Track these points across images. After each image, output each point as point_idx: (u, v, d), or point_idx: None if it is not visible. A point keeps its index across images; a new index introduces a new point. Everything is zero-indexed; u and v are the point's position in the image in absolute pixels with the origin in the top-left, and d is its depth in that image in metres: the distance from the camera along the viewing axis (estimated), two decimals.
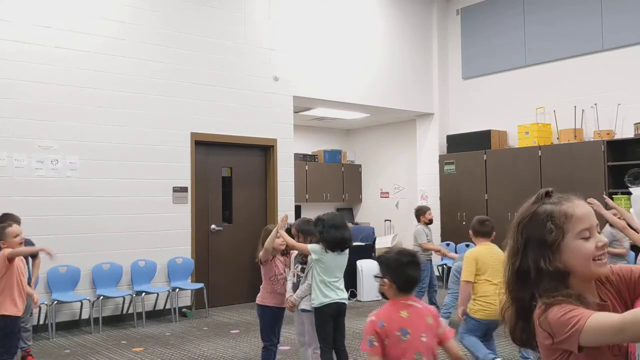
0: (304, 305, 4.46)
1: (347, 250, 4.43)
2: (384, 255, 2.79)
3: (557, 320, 1.41)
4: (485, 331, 4.73)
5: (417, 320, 2.61)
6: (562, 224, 1.51)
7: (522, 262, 1.52)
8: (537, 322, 1.47)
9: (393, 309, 2.67)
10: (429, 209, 7.59)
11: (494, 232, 4.84)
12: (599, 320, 1.34)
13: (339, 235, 4.31)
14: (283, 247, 4.59)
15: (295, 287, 4.53)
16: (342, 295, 4.38)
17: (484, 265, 4.64)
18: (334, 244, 4.30)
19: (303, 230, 4.60)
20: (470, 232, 4.99)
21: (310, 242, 4.43)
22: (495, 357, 4.76)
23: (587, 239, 1.50)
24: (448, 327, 6.36)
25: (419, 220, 7.39)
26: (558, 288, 1.47)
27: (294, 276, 4.60)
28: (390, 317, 2.62)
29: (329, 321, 4.32)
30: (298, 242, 4.57)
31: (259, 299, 4.63)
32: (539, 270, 1.50)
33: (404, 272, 2.68)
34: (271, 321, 4.60)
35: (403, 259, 2.73)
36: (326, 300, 4.29)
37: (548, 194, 1.60)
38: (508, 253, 1.59)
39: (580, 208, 1.54)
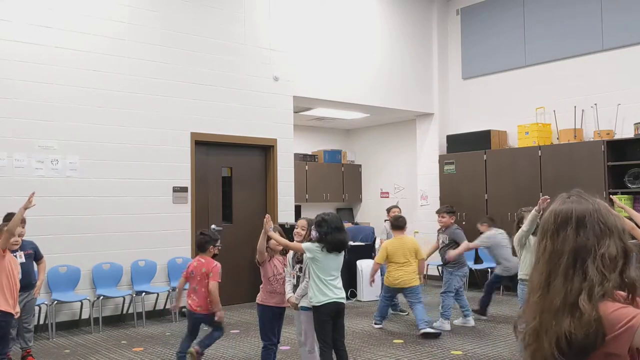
0: (302, 302, 4.48)
1: (343, 251, 4.45)
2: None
3: (611, 314, 1.39)
4: (393, 295, 6.83)
5: (199, 268, 5.00)
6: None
7: (611, 247, 1.50)
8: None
9: (194, 261, 5.14)
10: (393, 207, 7.96)
11: (406, 227, 6.84)
12: None
13: (341, 238, 4.34)
14: (280, 248, 4.59)
15: (295, 287, 4.55)
16: (340, 294, 4.39)
17: (393, 253, 6.55)
18: (335, 246, 4.31)
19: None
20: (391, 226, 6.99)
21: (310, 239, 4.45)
22: (382, 319, 6.87)
23: None
24: (448, 327, 6.52)
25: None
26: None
27: (293, 277, 4.61)
28: (191, 265, 5.09)
29: (328, 320, 4.33)
30: (307, 238, 4.58)
31: (258, 299, 4.64)
32: (625, 250, 1.50)
33: (198, 240, 5.20)
34: (271, 321, 4.60)
35: (199, 234, 5.24)
36: (325, 299, 4.30)
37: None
38: (590, 243, 1.51)
39: None
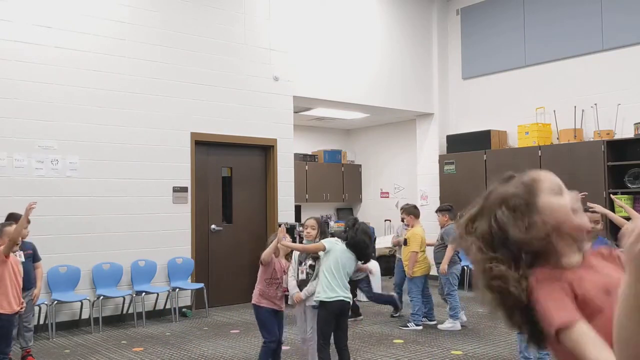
0: (312, 302, 4.49)
1: (357, 260, 4.49)
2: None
3: (545, 301, 1.36)
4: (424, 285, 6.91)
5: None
6: (532, 185, 1.51)
7: (496, 236, 1.47)
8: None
9: None
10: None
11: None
12: (582, 336, 1.29)
13: (363, 239, 4.42)
14: (289, 250, 4.60)
15: (304, 283, 4.57)
16: (348, 294, 4.42)
17: (424, 240, 6.82)
18: (353, 243, 4.37)
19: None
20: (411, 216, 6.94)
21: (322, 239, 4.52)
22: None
23: (559, 194, 1.49)
24: (459, 327, 6.53)
25: None
26: (543, 254, 1.44)
27: (302, 273, 4.61)
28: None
29: (333, 318, 4.34)
30: (316, 235, 4.63)
31: (254, 299, 4.62)
32: (518, 241, 1.45)
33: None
34: (268, 319, 4.58)
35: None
36: (334, 296, 4.32)
37: (512, 177, 1.59)
38: (481, 235, 1.50)
39: (545, 173, 1.54)
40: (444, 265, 6.63)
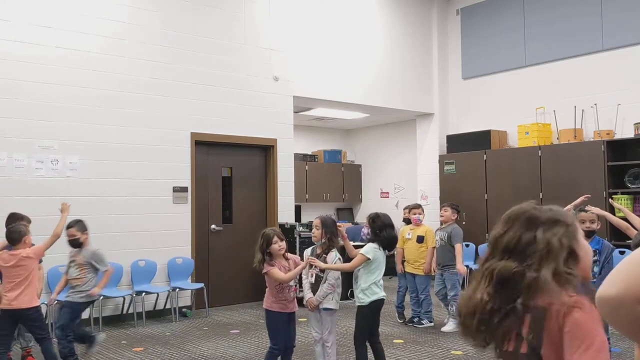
0: (326, 304, 4.48)
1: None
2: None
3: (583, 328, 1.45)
4: None
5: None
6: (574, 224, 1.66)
7: None
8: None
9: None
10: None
11: None
12: None
13: (395, 235, 4.58)
14: (283, 252, 4.50)
15: (314, 286, 4.54)
16: (383, 292, 4.57)
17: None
18: (389, 242, 4.50)
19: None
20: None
21: (330, 239, 4.53)
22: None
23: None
24: None
25: None
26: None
27: (312, 276, 4.57)
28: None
29: (375, 317, 4.53)
30: (321, 235, 4.57)
31: (265, 304, 4.55)
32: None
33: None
34: (277, 325, 4.52)
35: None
36: (374, 297, 4.46)
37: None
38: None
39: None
40: (462, 266, 6.61)
